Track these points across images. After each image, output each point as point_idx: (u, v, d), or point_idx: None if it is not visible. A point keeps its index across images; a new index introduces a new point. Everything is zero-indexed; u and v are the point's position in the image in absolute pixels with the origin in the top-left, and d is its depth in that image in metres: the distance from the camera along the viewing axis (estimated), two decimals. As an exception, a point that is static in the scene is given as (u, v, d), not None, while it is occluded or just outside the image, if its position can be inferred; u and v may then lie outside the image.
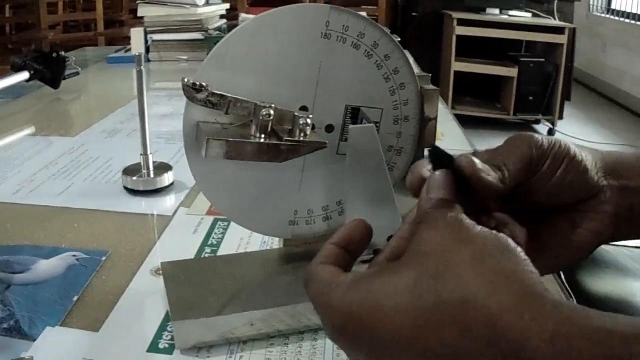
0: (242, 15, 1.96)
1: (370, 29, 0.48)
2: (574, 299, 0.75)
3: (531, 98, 3.78)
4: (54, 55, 1.26)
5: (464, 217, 0.31)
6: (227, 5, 1.94)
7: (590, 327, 0.25)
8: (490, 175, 0.34)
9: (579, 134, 3.66)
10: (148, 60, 1.68)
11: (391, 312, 0.29)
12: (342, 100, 0.50)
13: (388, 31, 0.50)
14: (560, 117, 3.91)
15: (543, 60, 3.80)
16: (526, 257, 0.29)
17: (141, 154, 0.75)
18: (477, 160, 0.34)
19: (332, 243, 0.35)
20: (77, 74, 1.39)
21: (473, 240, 0.29)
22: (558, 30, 3.67)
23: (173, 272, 0.52)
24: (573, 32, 3.72)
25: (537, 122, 4.02)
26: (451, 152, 0.35)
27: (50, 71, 1.25)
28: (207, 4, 1.77)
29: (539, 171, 0.37)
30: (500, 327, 0.26)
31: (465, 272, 0.28)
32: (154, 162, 0.76)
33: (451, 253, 0.29)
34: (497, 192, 0.35)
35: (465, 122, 1.40)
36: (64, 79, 1.30)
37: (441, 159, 0.35)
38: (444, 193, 0.33)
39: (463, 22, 3.72)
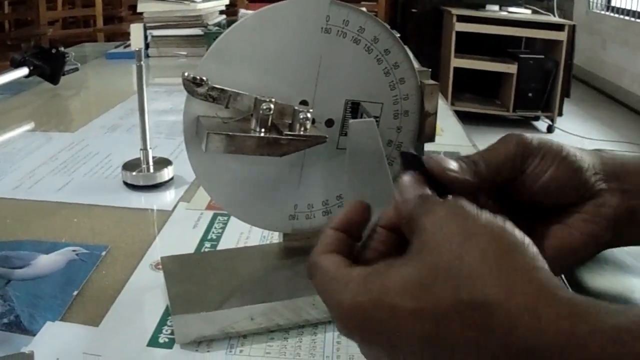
0: (242, 11, 1.96)
1: (370, 23, 0.48)
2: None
3: (530, 95, 3.78)
4: (53, 51, 1.25)
5: (464, 201, 0.31)
6: (227, 1, 1.94)
7: (603, 324, 0.26)
8: (461, 171, 0.35)
9: (578, 131, 3.66)
10: (147, 56, 1.68)
11: (410, 315, 0.29)
12: (342, 94, 0.50)
13: (388, 26, 0.50)
14: (560, 114, 3.90)
15: (542, 56, 3.79)
16: (535, 250, 0.29)
17: (141, 149, 0.75)
18: (445, 158, 0.35)
19: (332, 227, 0.35)
20: (77, 69, 1.39)
21: (480, 231, 0.29)
22: (557, 27, 3.67)
23: (173, 267, 0.52)
24: (572, 29, 3.71)
25: (537, 118, 4.02)
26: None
27: (49, 67, 1.25)
28: (207, -1, 1.77)
29: (526, 169, 0.37)
30: (520, 329, 0.27)
31: (480, 273, 0.28)
32: (153, 157, 0.76)
33: (461, 249, 0.29)
34: (469, 186, 0.35)
35: (465, 118, 1.39)
36: (63, 74, 1.30)
37: (413, 162, 0.35)
38: (419, 190, 0.33)
39: (462, 19, 3.71)
